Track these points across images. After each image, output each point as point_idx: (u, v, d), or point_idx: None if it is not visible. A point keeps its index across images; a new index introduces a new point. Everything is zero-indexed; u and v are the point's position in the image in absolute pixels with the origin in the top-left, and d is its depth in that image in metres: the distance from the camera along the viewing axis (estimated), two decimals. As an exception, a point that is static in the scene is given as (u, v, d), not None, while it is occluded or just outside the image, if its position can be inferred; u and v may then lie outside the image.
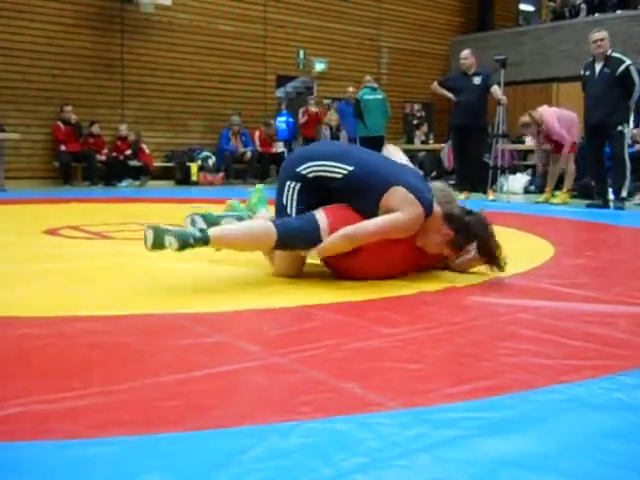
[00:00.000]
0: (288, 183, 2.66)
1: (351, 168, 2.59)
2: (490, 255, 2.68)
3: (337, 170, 2.60)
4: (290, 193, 2.64)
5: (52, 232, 4.22)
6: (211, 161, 11.91)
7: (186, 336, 1.84)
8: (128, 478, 1.04)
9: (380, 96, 9.90)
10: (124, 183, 10.77)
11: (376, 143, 9.46)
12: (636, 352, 1.77)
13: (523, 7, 18.29)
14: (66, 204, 6.82)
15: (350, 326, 2.00)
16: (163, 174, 11.72)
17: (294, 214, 2.62)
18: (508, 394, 1.41)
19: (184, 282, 2.67)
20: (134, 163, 11.06)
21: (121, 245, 3.74)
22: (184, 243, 2.37)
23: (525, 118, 7.70)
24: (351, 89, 11.59)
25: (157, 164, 11.64)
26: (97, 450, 1.13)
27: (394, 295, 2.42)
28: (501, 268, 2.69)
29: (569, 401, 1.38)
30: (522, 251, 3.54)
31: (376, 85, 10.24)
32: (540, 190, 8.89)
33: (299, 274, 2.72)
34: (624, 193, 6.96)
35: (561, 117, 7.71)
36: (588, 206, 7.09)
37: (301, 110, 12.57)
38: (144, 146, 11.22)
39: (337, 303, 2.28)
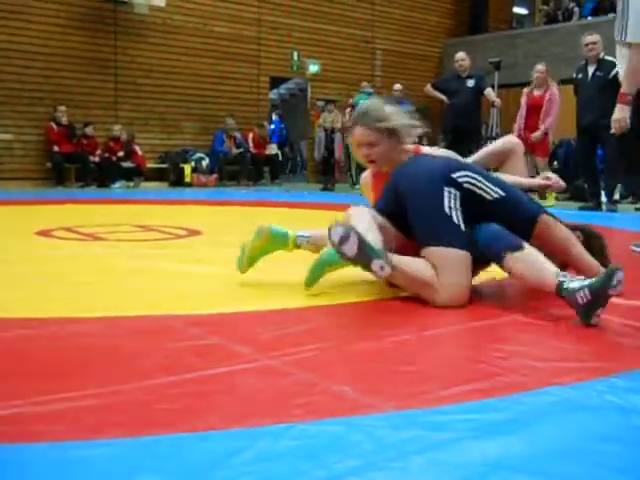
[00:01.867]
0: (447, 189, 2.41)
1: (503, 194, 2.48)
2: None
3: (489, 191, 2.47)
4: (453, 201, 2.40)
5: (45, 233, 4.20)
6: (204, 162, 11.91)
7: (179, 338, 1.83)
8: (120, 481, 1.04)
9: None
10: (117, 184, 10.74)
11: None
12: (629, 355, 1.78)
13: (517, 10, 18.38)
14: (59, 205, 6.80)
15: (344, 328, 1.99)
16: (156, 175, 11.71)
17: (462, 223, 2.38)
18: (501, 396, 1.41)
19: (177, 284, 2.67)
20: (127, 164, 11.04)
21: (114, 247, 3.73)
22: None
23: (541, 66, 7.66)
24: (398, 86, 11.41)
25: (151, 165, 11.62)
26: (90, 452, 1.13)
27: (388, 297, 2.41)
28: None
29: (562, 404, 1.39)
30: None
31: (372, 91, 10.33)
32: (532, 191, 8.92)
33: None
34: (616, 196, 6.99)
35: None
36: (581, 209, 7.11)
37: (347, 111, 12.44)
38: (137, 147, 11.20)
39: (331, 305, 2.27)
